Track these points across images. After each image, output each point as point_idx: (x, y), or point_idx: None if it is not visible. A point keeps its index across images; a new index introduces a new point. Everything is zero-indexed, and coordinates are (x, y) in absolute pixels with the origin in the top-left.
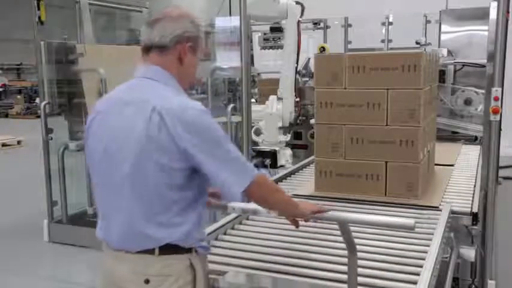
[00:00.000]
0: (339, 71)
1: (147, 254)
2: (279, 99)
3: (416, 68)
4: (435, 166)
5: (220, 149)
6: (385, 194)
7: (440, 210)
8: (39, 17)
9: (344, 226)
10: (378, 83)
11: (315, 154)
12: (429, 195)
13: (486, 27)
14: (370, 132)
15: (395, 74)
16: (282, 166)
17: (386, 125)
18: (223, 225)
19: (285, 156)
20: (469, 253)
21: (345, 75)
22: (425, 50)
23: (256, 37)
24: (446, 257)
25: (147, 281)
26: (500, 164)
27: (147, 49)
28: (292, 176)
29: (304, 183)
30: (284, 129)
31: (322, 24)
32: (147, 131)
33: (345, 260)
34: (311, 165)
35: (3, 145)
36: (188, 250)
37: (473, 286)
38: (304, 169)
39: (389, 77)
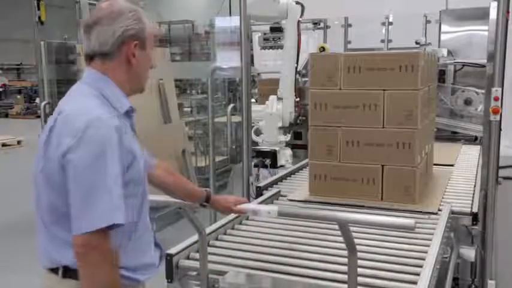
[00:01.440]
0: (334, 71)
1: (54, 274)
2: (279, 99)
3: (413, 68)
4: (434, 167)
5: (93, 171)
6: (382, 199)
7: (439, 214)
8: (39, 17)
9: (344, 226)
10: (374, 83)
11: (309, 157)
12: (427, 200)
13: (486, 27)
14: (366, 135)
15: (392, 74)
16: (282, 166)
17: (383, 127)
18: (223, 225)
19: (285, 156)
20: (469, 253)
21: (340, 75)
22: (425, 49)
23: (256, 37)
24: (446, 257)
25: None
26: (500, 164)
27: (90, 57)
28: (292, 176)
29: (303, 183)
30: (284, 129)
31: (322, 24)
32: (46, 138)
33: (345, 260)
34: None
35: (3, 145)
36: None
37: (473, 286)
38: (304, 169)
39: (386, 78)
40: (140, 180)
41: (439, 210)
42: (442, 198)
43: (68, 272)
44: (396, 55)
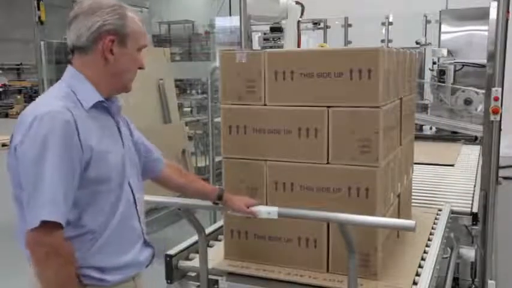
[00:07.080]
0: (255, 78)
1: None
2: None
3: (371, 73)
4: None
5: (35, 167)
6: (328, 270)
7: None
8: (39, 17)
9: (344, 226)
10: (314, 96)
11: None
12: (395, 271)
13: (486, 27)
14: (304, 174)
15: (340, 83)
16: None
17: (327, 162)
18: (223, 226)
19: None
20: (469, 253)
21: (264, 84)
22: (425, 49)
23: (256, 37)
24: (446, 257)
25: None
26: (500, 164)
27: (71, 52)
28: None
29: None
30: None
31: (322, 24)
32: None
33: None
34: None
35: (3, 145)
36: None
37: (473, 286)
38: None
39: (331, 88)
40: (112, 177)
41: (414, 284)
42: (418, 271)
43: None
44: (344, 52)
